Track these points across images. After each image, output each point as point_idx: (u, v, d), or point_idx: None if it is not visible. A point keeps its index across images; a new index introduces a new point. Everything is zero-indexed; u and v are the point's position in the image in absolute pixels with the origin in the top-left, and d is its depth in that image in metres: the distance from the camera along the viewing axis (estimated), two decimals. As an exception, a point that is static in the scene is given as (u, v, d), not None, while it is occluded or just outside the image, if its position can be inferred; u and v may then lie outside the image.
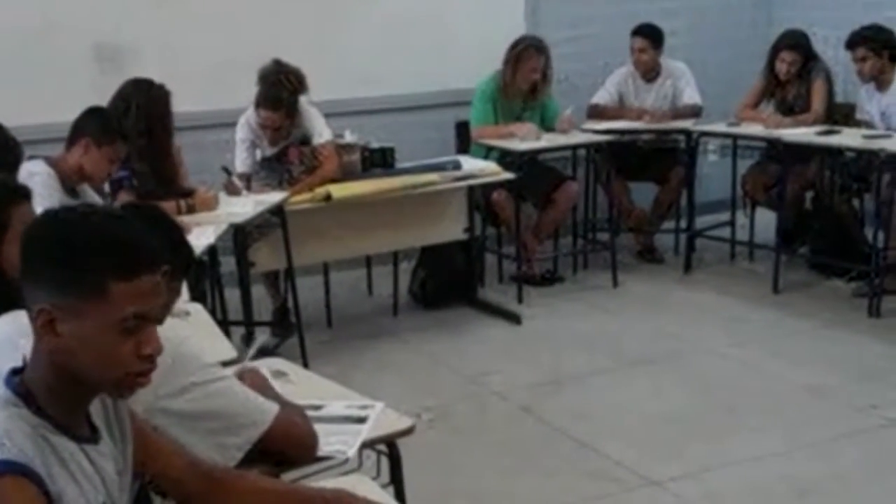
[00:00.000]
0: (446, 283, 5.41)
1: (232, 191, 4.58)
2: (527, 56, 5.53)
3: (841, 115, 5.64)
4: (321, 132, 4.85)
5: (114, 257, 1.47)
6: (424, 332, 5.09)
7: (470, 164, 5.24)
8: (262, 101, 4.71)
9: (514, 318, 5.18)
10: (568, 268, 5.94)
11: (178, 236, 2.14)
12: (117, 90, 4.22)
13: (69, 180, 3.70)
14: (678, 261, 6.00)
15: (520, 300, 5.41)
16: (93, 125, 3.71)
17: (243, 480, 1.84)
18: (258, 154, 4.90)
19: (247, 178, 4.78)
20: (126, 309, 1.47)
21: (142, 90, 4.21)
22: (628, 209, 6.12)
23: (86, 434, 1.54)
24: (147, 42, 5.26)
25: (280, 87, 4.69)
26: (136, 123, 4.11)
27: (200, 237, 3.77)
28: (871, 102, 5.46)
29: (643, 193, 6.17)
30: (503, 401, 4.28)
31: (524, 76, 5.56)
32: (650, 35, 5.91)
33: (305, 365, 4.37)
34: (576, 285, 5.76)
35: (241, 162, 4.87)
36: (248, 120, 4.85)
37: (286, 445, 2.00)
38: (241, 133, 4.87)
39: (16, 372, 1.53)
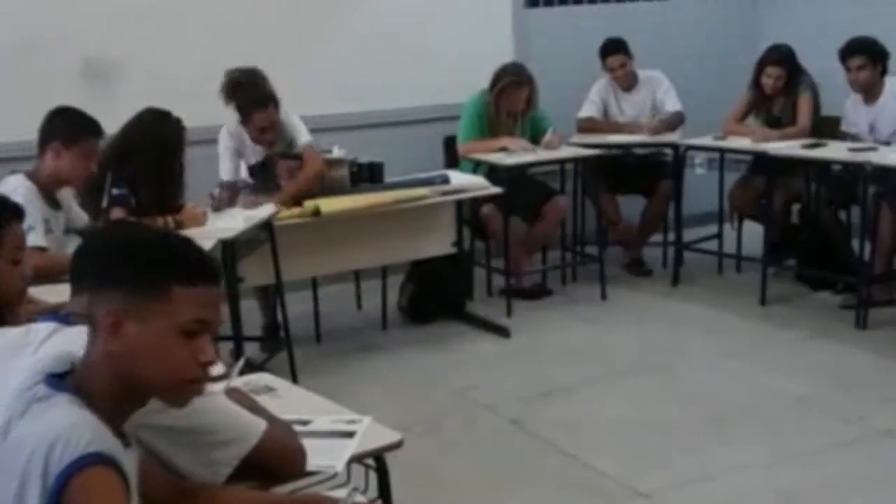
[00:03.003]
0: (435, 297, 5.42)
1: (215, 204, 4.58)
2: (508, 91, 5.59)
3: (827, 128, 5.68)
4: (302, 134, 4.87)
5: (178, 262, 1.62)
6: (413, 346, 5.10)
7: (458, 178, 5.26)
8: (254, 103, 4.68)
9: (503, 332, 5.19)
10: (557, 281, 5.96)
11: None
12: (133, 117, 4.22)
13: (49, 190, 3.69)
14: (666, 273, 6.03)
15: (508, 314, 5.42)
16: (58, 127, 3.68)
17: (217, 495, 1.87)
18: (243, 165, 4.91)
19: (232, 187, 4.79)
20: (187, 313, 1.59)
21: (157, 121, 4.21)
22: (616, 222, 6.15)
23: (124, 439, 1.60)
24: (134, 58, 5.28)
25: (262, 85, 4.70)
26: (147, 153, 4.12)
27: None
28: (858, 114, 5.50)
29: (631, 207, 6.20)
30: (492, 414, 4.29)
31: (508, 108, 5.63)
32: (624, 49, 5.97)
33: (294, 379, 4.37)
34: (564, 298, 5.78)
35: (226, 171, 4.88)
36: (228, 130, 4.87)
37: (275, 461, 2.01)
38: (224, 143, 4.89)
39: (58, 376, 1.59)
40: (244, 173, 4.98)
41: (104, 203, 4.06)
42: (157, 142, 4.15)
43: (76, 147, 3.65)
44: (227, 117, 4.85)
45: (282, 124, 4.82)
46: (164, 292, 1.58)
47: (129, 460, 1.59)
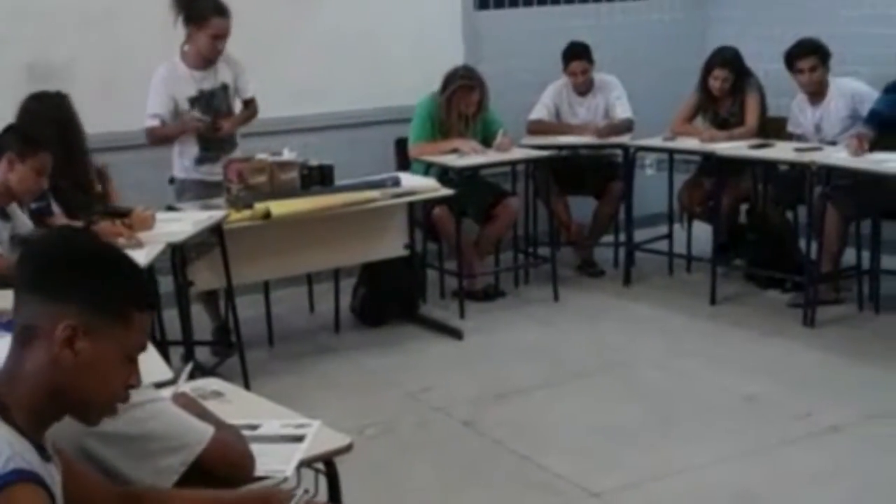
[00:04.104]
0: (388, 299, 5.40)
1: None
2: (459, 94, 5.60)
3: (773, 129, 5.76)
4: (251, 84, 5.02)
5: (140, 288, 1.62)
6: (366, 348, 5.09)
7: (410, 180, 5.25)
8: (216, 11, 4.73)
9: (456, 334, 5.19)
10: (509, 282, 5.97)
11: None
12: (20, 109, 4.18)
13: (0, 203, 3.64)
14: (618, 274, 6.06)
15: (461, 315, 5.42)
16: (12, 140, 3.66)
17: (163, 497, 1.85)
18: (186, 95, 4.85)
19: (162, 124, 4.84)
20: (138, 339, 1.60)
21: (46, 102, 4.20)
22: (567, 223, 6.18)
23: (42, 453, 1.56)
24: (82, 61, 5.21)
25: None
26: (50, 136, 4.02)
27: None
28: (804, 115, 5.57)
29: (583, 208, 6.23)
30: (445, 416, 4.29)
31: (460, 111, 5.64)
32: (587, 55, 6.00)
33: (246, 384, 4.35)
34: (517, 300, 5.79)
35: (156, 104, 4.80)
36: (163, 67, 4.82)
37: (222, 467, 1.99)
38: (157, 87, 4.82)
39: None
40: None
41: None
42: (52, 121, 4.12)
43: (31, 160, 3.65)
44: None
45: (232, 60, 4.93)
46: (126, 317, 1.57)
47: (51, 474, 1.54)
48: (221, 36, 4.79)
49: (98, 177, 4.43)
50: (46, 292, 1.55)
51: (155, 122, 4.82)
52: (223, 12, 4.78)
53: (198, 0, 4.78)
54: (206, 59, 4.85)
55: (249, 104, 5.07)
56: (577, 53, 6.00)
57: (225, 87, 4.94)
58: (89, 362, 1.53)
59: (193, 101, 4.85)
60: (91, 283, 1.56)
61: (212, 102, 4.89)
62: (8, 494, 1.41)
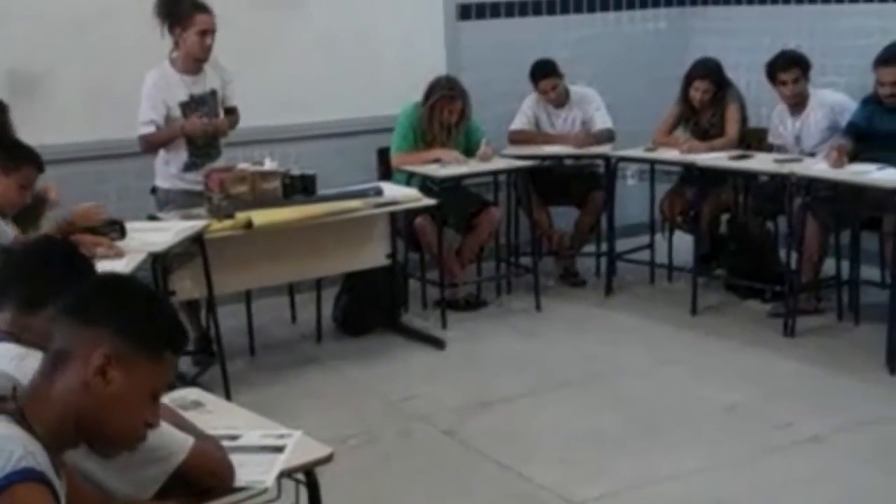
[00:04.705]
0: (370, 308, 5.40)
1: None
2: (442, 105, 5.61)
3: (754, 139, 5.79)
4: (237, 92, 5.03)
5: (173, 330, 1.69)
6: (348, 358, 5.08)
7: (391, 190, 5.26)
8: (199, 8, 4.73)
9: (438, 343, 5.19)
10: (491, 292, 5.98)
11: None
12: None
13: None
14: (599, 283, 6.07)
15: (443, 325, 5.42)
16: None
17: None
18: (177, 100, 4.81)
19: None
20: (165, 379, 1.67)
21: None
22: (549, 233, 6.19)
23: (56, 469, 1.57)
24: (65, 68, 5.19)
25: None
26: None
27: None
28: (784, 126, 5.61)
29: (564, 218, 6.25)
30: (428, 425, 4.28)
31: (442, 121, 5.64)
32: (554, 71, 6.00)
33: (227, 394, 4.33)
34: (499, 309, 5.80)
35: (147, 112, 4.74)
36: (159, 75, 4.79)
37: (202, 477, 1.99)
38: (152, 91, 4.77)
39: None
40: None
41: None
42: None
43: (15, 174, 3.64)
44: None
45: (220, 66, 4.92)
46: (158, 356, 1.64)
47: (61, 487, 1.56)
48: (209, 31, 4.76)
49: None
50: (86, 318, 1.61)
51: (150, 129, 4.77)
52: (204, 8, 4.77)
53: (177, 3, 4.77)
54: (197, 60, 4.82)
55: (232, 113, 5.06)
56: (544, 72, 5.99)
57: (214, 93, 4.92)
58: (118, 393, 1.58)
59: (185, 106, 4.83)
60: (134, 317, 1.62)
61: (202, 107, 4.87)
62: (14, 491, 1.43)
